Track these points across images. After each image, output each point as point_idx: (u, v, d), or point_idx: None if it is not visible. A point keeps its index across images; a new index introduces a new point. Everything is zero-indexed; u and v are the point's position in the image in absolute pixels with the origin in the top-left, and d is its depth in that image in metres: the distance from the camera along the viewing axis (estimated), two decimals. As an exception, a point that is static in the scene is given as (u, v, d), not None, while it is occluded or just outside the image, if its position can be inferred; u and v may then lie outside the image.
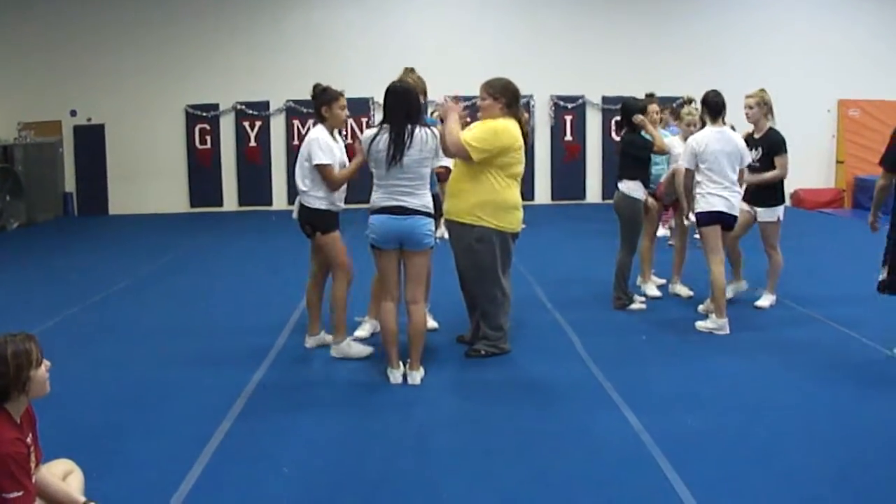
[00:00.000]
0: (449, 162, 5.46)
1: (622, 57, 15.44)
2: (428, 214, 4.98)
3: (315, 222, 5.43)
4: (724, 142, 6.19)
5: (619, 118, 7.05)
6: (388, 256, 5.07)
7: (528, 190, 15.23)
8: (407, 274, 5.12)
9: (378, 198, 4.98)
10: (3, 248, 11.79)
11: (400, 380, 5.03)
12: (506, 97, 5.37)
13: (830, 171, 15.93)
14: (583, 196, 15.91)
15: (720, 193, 6.12)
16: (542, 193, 15.85)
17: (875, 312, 6.27)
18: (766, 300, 6.83)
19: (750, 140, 6.61)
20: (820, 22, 15.69)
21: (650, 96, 8.29)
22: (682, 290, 7.31)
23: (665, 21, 15.61)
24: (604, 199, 14.94)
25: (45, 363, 2.88)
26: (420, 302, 5.15)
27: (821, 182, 15.84)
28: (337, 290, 5.54)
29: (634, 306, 6.79)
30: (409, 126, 4.85)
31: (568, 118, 15.79)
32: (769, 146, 6.58)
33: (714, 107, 6.25)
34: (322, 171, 5.30)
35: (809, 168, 15.72)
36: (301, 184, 5.42)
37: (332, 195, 5.41)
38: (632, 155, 6.75)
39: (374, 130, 4.98)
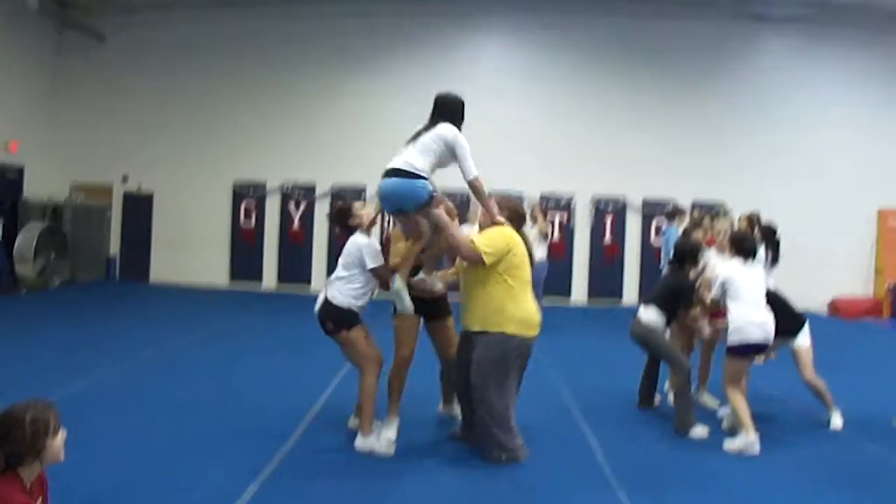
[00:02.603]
0: None
1: (663, 161, 15.65)
2: (417, 175, 5.16)
3: (338, 318, 5.46)
4: (753, 273, 6.16)
5: (677, 253, 6.94)
6: None
7: (564, 288, 15.27)
8: None
9: None
10: (44, 304, 12.03)
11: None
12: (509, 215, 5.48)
13: (869, 280, 15.77)
14: (620, 296, 15.88)
15: (755, 320, 5.94)
16: (579, 292, 15.86)
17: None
18: (837, 419, 6.48)
19: None
20: (860, 131, 15.79)
21: (716, 215, 7.61)
22: (708, 400, 7.13)
23: (706, 126, 15.84)
24: (641, 300, 14.82)
25: (62, 432, 2.92)
26: None
27: (859, 291, 15.67)
28: (368, 381, 5.47)
29: (697, 430, 6.19)
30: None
31: (608, 219, 15.89)
32: None
33: (744, 251, 6.18)
34: (376, 271, 5.45)
35: (848, 277, 15.62)
36: (341, 272, 5.51)
37: (358, 300, 5.47)
38: (674, 294, 6.61)
39: None
